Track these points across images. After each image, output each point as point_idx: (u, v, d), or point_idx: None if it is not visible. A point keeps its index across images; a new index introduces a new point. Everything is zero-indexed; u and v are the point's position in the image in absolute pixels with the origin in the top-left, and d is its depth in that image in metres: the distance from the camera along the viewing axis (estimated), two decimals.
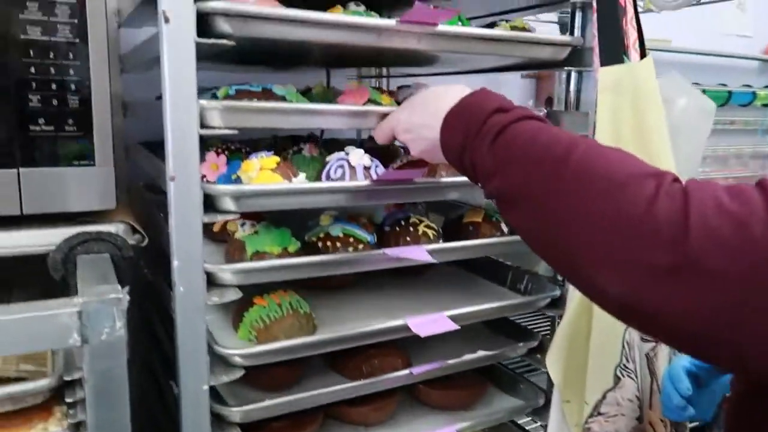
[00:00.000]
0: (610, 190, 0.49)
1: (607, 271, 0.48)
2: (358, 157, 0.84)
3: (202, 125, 0.71)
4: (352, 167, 0.83)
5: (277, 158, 0.81)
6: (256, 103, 0.76)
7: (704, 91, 2.25)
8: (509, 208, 0.59)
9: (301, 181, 0.81)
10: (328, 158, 0.88)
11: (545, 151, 0.55)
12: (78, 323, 0.62)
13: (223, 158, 0.88)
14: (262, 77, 1.42)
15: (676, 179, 0.49)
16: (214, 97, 0.82)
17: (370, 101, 0.89)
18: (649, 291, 0.46)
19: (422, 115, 0.71)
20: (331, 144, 1.13)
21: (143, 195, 1.17)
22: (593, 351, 0.96)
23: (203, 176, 0.85)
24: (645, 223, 0.46)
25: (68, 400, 0.65)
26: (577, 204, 0.51)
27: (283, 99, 0.82)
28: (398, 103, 0.96)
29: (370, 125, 0.83)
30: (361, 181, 0.83)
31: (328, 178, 0.85)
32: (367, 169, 0.84)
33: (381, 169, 0.86)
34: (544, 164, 0.54)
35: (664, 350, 0.97)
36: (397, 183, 0.84)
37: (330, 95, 1.02)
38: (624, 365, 0.96)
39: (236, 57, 1.06)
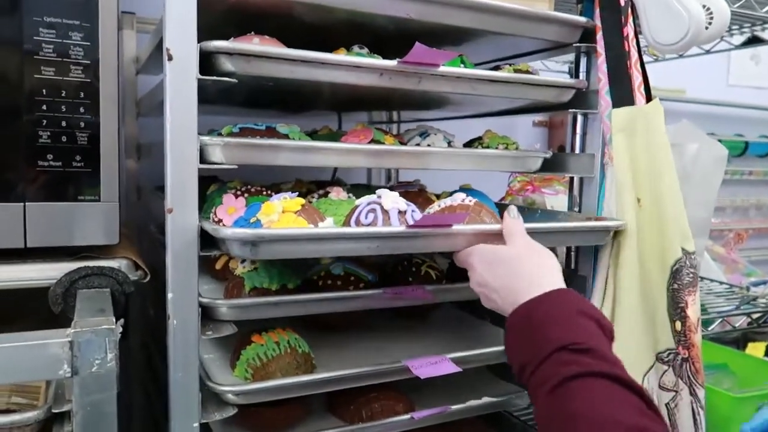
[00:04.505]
0: None
1: None
2: (392, 200, 0.77)
3: (205, 161, 0.73)
4: (385, 211, 0.76)
5: (301, 200, 0.77)
6: (255, 140, 0.77)
7: (720, 141, 2.24)
8: None
9: (328, 225, 0.75)
10: (357, 201, 0.81)
11: None
12: (69, 354, 0.62)
13: (242, 201, 0.87)
14: (274, 120, 1.45)
15: None
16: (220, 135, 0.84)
17: (374, 141, 0.90)
18: None
19: (498, 282, 0.72)
20: (358, 189, 1.10)
21: (153, 237, 1.19)
22: None
23: (220, 220, 0.84)
24: None
25: None
26: None
27: (286, 137, 0.83)
28: (402, 144, 0.96)
29: (372, 164, 0.83)
30: (396, 227, 0.75)
31: (358, 223, 0.77)
32: (402, 213, 0.76)
33: (417, 214, 0.79)
34: None
35: (685, 400, 0.93)
36: (436, 229, 0.76)
37: (336, 137, 1.04)
38: None
39: (247, 100, 1.09)
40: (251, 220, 0.75)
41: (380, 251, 0.74)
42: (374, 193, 0.81)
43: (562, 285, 0.69)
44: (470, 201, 0.85)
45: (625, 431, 0.53)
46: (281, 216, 0.73)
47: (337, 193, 0.94)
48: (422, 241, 0.76)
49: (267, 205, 0.75)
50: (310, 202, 0.92)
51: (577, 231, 0.91)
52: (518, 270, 0.71)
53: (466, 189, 1.05)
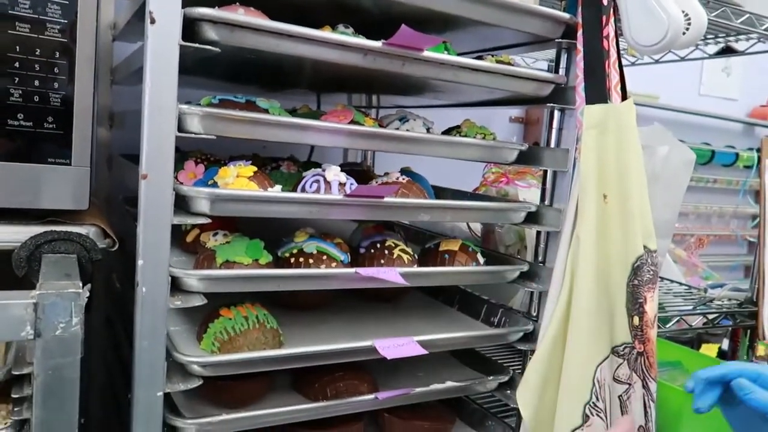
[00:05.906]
0: None
1: None
2: (333, 173, 0.85)
3: (182, 130, 0.72)
4: (327, 182, 0.84)
5: (254, 168, 0.82)
6: (234, 112, 0.76)
7: None
8: None
9: (276, 190, 0.81)
10: (304, 174, 0.89)
11: None
12: (32, 316, 0.61)
13: (201, 167, 0.88)
14: (253, 97, 1.43)
15: None
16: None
17: (354, 122, 0.90)
18: None
19: None
20: (308, 165, 1.14)
21: (122, 208, 1.17)
22: (563, 387, 0.95)
23: (181, 183, 0.85)
24: None
25: (14, 396, 0.63)
26: None
27: (266, 112, 0.83)
28: (381, 127, 0.97)
29: (351, 144, 0.83)
30: (334, 195, 0.83)
31: (304, 191, 0.85)
32: (342, 185, 0.85)
33: (355, 186, 0.86)
34: None
35: (637, 393, 0.96)
36: (369, 198, 0.84)
37: (315, 116, 1.03)
38: (594, 404, 0.94)
39: (226, 74, 1.07)
40: (209, 183, 0.82)
41: (320, 216, 0.82)
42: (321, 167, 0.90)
43: None
44: (403, 179, 0.99)
45: None
46: (236, 180, 0.80)
47: (287, 167, 1.04)
48: (356, 210, 0.84)
49: (224, 170, 0.81)
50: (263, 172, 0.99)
51: (488, 209, 1.05)
52: None
53: (406, 171, 1.11)
